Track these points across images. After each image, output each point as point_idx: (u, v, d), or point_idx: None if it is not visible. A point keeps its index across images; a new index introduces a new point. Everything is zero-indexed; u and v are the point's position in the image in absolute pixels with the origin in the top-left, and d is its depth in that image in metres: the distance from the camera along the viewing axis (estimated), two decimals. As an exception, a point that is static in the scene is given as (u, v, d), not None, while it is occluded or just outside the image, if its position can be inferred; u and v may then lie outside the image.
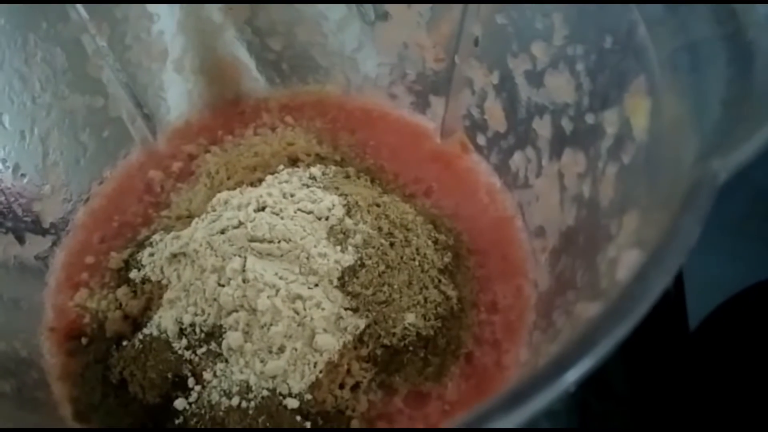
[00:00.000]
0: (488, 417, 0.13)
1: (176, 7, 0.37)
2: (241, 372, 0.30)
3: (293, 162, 0.38)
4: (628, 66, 0.24)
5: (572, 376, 0.14)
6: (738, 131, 0.17)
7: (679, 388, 0.38)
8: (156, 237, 0.35)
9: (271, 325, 0.30)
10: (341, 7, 0.37)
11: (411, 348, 0.31)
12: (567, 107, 0.29)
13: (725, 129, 0.18)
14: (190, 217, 0.36)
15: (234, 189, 0.36)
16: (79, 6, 0.33)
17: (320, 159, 0.39)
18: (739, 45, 0.20)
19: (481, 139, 0.38)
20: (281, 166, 0.37)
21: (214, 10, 0.38)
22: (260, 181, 0.36)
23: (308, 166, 0.37)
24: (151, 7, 0.36)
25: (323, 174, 0.36)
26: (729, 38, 0.20)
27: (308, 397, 0.29)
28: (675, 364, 0.38)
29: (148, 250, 0.34)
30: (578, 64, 0.28)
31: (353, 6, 0.37)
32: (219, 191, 0.36)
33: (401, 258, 0.32)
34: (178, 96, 0.40)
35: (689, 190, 0.15)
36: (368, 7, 0.37)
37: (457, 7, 0.33)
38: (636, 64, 0.23)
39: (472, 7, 0.32)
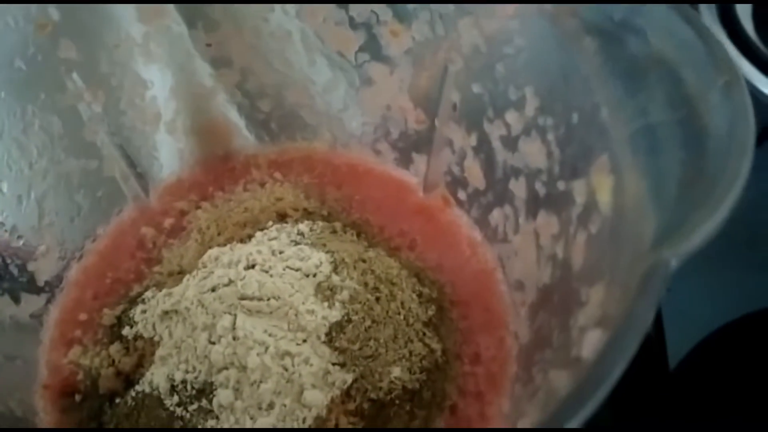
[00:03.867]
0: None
1: (169, 74, 0.38)
2: (232, 429, 0.31)
3: (282, 217, 0.40)
4: (593, 143, 0.25)
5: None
6: (691, 217, 0.18)
7: (661, 427, 0.39)
8: (148, 294, 0.36)
9: (260, 382, 0.31)
10: (327, 72, 0.39)
11: (397, 401, 0.32)
12: (540, 172, 0.31)
13: (681, 211, 0.20)
14: (182, 273, 0.37)
15: (224, 245, 0.37)
16: (75, 76, 0.34)
17: (308, 214, 0.40)
18: (693, 129, 0.22)
19: (461, 195, 0.39)
20: (270, 222, 0.38)
21: (206, 76, 0.39)
22: (250, 237, 0.37)
23: (296, 222, 0.38)
24: (146, 75, 0.38)
25: (311, 230, 0.37)
26: (684, 123, 0.22)
27: (298, 452, 0.30)
28: (656, 404, 0.39)
29: (140, 307, 0.35)
30: (549, 134, 0.30)
31: (339, 71, 0.39)
32: (210, 247, 0.37)
33: (387, 312, 0.33)
34: (170, 155, 0.41)
35: (644, 275, 0.17)
36: (353, 73, 0.38)
37: (437, 75, 0.35)
38: (600, 142, 0.25)
39: (450, 75, 0.34)
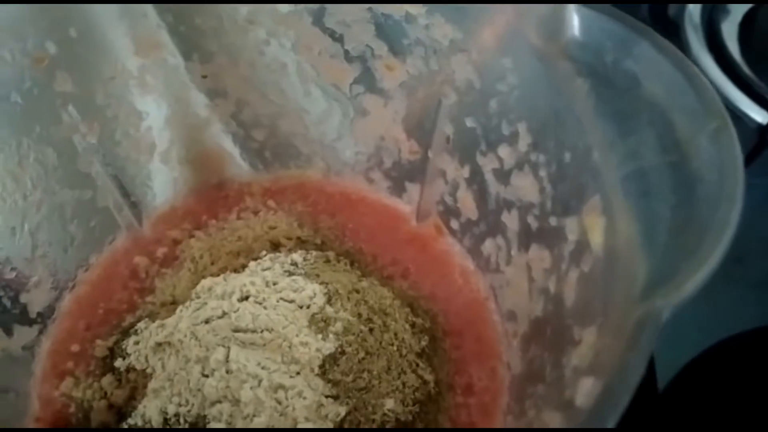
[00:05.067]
0: None
1: (164, 104, 0.39)
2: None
3: (275, 246, 0.40)
4: (585, 182, 0.26)
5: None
6: (681, 266, 0.19)
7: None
8: (141, 325, 0.35)
9: (254, 416, 0.30)
10: (322, 103, 0.39)
11: (390, 434, 0.32)
12: (532, 206, 0.31)
13: (671, 258, 0.20)
14: (175, 303, 0.37)
15: (218, 274, 0.37)
16: (71, 108, 0.34)
17: (301, 242, 0.40)
18: (682, 174, 0.23)
19: (454, 224, 0.40)
20: (264, 252, 0.39)
21: (201, 106, 0.40)
22: (243, 266, 0.37)
23: (290, 251, 0.39)
24: (141, 106, 0.38)
25: (304, 260, 0.38)
26: (674, 166, 0.23)
27: (291, 486, 0.30)
28: (645, 425, 0.39)
29: (133, 338, 0.35)
30: (541, 170, 0.30)
31: (333, 102, 0.39)
32: (203, 276, 0.37)
33: (380, 344, 0.34)
34: (163, 183, 0.41)
35: (636, 326, 0.17)
36: (347, 104, 0.39)
37: (431, 108, 0.36)
38: (592, 182, 0.25)
39: (444, 109, 0.35)
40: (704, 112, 0.23)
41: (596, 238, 0.24)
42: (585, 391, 0.18)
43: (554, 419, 0.21)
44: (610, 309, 0.21)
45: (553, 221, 0.29)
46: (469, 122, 0.34)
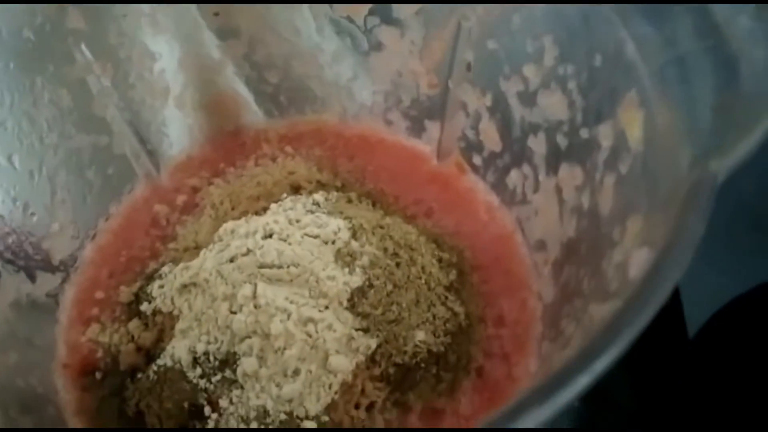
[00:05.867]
0: (522, 409, 0.14)
1: (177, 45, 0.38)
2: (258, 397, 0.30)
3: (295, 190, 0.39)
4: (618, 82, 0.25)
5: (600, 365, 0.15)
6: (730, 134, 0.18)
7: (682, 396, 0.38)
8: (165, 269, 0.35)
9: (284, 349, 0.30)
10: (336, 40, 0.38)
11: (423, 365, 0.31)
12: (561, 124, 0.31)
13: (717, 133, 0.19)
14: (197, 248, 0.36)
15: (239, 219, 0.36)
16: (84, 48, 0.34)
17: (321, 186, 0.39)
18: (723, 56, 0.22)
19: (477, 159, 0.39)
20: (284, 194, 0.38)
21: (213, 48, 0.39)
22: (264, 209, 0.37)
23: (310, 193, 0.38)
24: (154, 47, 0.37)
25: (326, 200, 0.37)
26: (713, 50, 0.22)
27: (325, 419, 0.29)
28: (676, 372, 0.39)
29: (157, 283, 0.35)
30: (570, 82, 0.29)
31: (347, 38, 0.38)
32: (224, 221, 0.36)
33: (408, 277, 0.33)
34: (179, 131, 0.41)
35: (690, 190, 0.16)
36: (362, 39, 0.38)
37: (450, 34, 0.35)
38: (626, 79, 0.24)
39: (463, 33, 0.34)
40: (744, -8, 0.22)
41: (635, 133, 0.23)
42: (639, 262, 0.17)
43: (602, 310, 0.20)
44: (655, 193, 0.20)
45: (584, 133, 0.29)
46: (491, 44, 0.33)
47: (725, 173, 0.17)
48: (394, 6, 0.36)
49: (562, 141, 0.31)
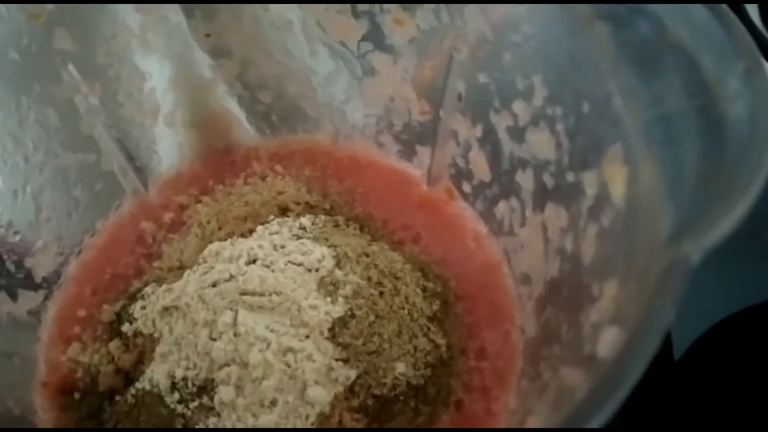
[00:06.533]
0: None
1: (168, 65, 0.38)
2: (234, 426, 0.30)
3: (283, 211, 0.39)
4: (605, 132, 0.25)
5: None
6: (711, 209, 0.18)
7: (667, 418, 0.38)
8: (148, 289, 0.35)
9: (262, 379, 0.30)
10: (329, 63, 0.38)
11: (402, 398, 0.31)
12: (548, 164, 0.30)
13: (699, 203, 0.19)
14: (182, 268, 0.36)
15: (225, 239, 0.36)
16: (71, 68, 0.34)
17: (310, 208, 0.39)
18: (710, 118, 0.21)
19: (466, 187, 0.38)
20: (271, 216, 0.38)
21: (205, 67, 0.39)
22: (251, 231, 0.37)
23: (298, 215, 0.38)
24: (144, 66, 0.37)
25: (313, 224, 0.37)
26: (701, 111, 0.22)
27: (301, 450, 0.29)
28: (662, 394, 0.39)
29: (140, 303, 0.34)
30: (558, 124, 0.29)
31: (341, 61, 0.38)
32: (210, 241, 0.36)
33: (391, 307, 0.33)
34: (169, 148, 0.41)
35: (664, 272, 0.16)
36: (355, 63, 0.38)
37: (441, 64, 0.34)
38: (613, 131, 0.24)
39: (455, 64, 0.34)
40: (734, 52, 0.22)
41: (617, 189, 0.23)
42: (608, 341, 0.17)
43: (573, 375, 0.20)
44: (633, 259, 0.20)
45: (570, 177, 0.28)
46: (482, 78, 0.33)
47: (701, 256, 0.17)
48: (387, 33, 0.36)
49: (548, 180, 0.31)
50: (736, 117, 0.21)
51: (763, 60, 0.21)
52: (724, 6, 0.22)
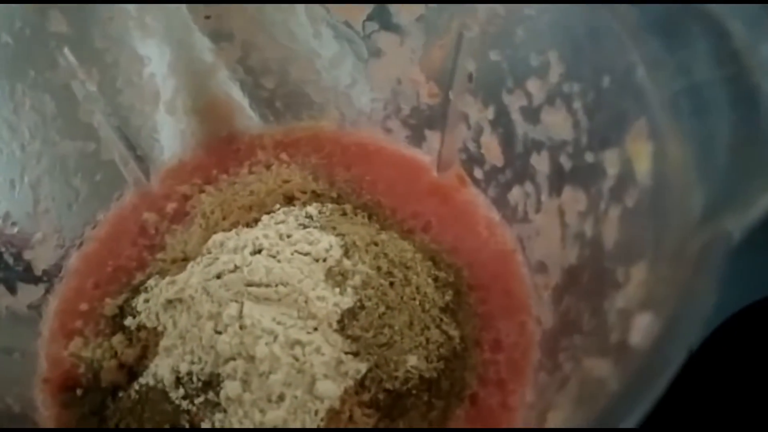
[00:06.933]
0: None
1: (167, 49, 0.37)
2: (240, 423, 0.29)
3: (289, 200, 0.38)
4: (627, 107, 0.23)
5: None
6: (749, 185, 0.16)
7: (683, 410, 0.37)
8: (151, 282, 0.34)
9: (270, 373, 0.29)
10: (334, 45, 0.37)
11: (414, 392, 0.30)
12: (565, 144, 0.29)
13: (734, 178, 0.18)
14: (186, 259, 0.35)
15: (230, 230, 0.35)
16: (67, 52, 0.33)
17: (316, 196, 0.38)
18: (742, 88, 0.20)
19: (478, 173, 0.37)
20: (277, 205, 0.37)
21: (206, 51, 0.38)
22: (256, 221, 0.36)
23: (304, 204, 0.37)
24: (143, 51, 0.36)
25: (320, 213, 0.36)
26: (732, 81, 0.20)
27: (310, 447, 0.28)
28: (676, 388, 0.38)
29: (143, 296, 0.33)
30: (575, 102, 0.27)
31: (345, 43, 0.37)
32: (214, 232, 0.35)
33: (401, 298, 0.32)
34: (171, 136, 0.40)
35: (702, 251, 0.15)
36: (361, 44, 0.36)
37: (451, 43, 0.33)
38: (635, 105, 0.22)
39: (465, 43, 0.32)
40: (767, 17, 0.20)
41: (643, 166, 0.22)
42: (641, 328, 0.16)
43: (600, 366, 0.18)
44: (663, 240, 0.19)
45: (589, 157, 0.27)
46: (494, 56, 0.32)
47: (742, 233, 0.15)
48: (393, 12, 0.34)
49: (566, 162, 0.29)
50: (769, 88, 0.19)
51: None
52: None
